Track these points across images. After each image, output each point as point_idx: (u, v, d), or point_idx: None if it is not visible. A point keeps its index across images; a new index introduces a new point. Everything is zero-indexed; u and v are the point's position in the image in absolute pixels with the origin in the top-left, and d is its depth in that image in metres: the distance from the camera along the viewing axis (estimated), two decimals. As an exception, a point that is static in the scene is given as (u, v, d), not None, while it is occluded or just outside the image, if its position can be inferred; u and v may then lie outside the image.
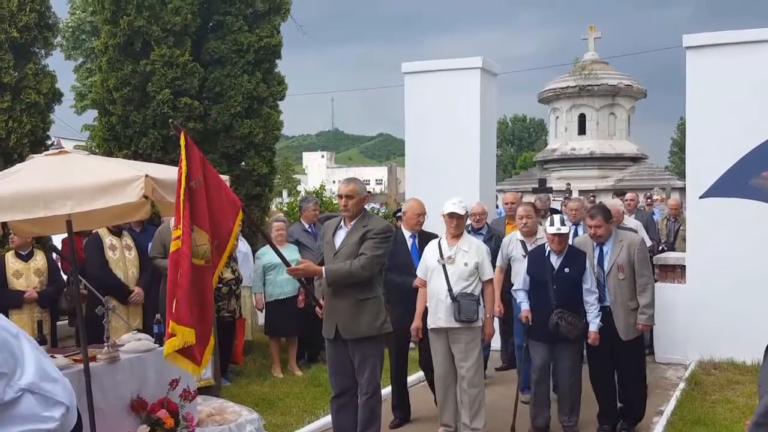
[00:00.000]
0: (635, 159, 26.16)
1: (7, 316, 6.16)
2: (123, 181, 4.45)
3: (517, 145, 66.78)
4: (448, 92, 9.49)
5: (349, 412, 5.05)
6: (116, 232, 6.78)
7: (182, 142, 4.11)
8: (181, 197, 4.01)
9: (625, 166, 25.78)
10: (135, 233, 7.56)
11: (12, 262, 6.55)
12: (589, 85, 25.25)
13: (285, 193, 22.38)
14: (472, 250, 5.59)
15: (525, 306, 5.82)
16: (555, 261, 5.67)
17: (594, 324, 5.61)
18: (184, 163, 4.08)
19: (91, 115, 17.68)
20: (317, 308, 5.30)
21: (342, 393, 5.07)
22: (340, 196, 5.05)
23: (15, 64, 8.02)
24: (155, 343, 5.51)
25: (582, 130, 26.11)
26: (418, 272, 5.75)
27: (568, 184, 22.22)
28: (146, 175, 4.45)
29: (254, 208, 9.64)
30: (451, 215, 5.60)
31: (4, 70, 7.87)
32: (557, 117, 27.10)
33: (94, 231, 6.72)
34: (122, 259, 6.78)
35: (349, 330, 4.90)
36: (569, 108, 26.32)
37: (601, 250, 5.79)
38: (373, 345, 4.95)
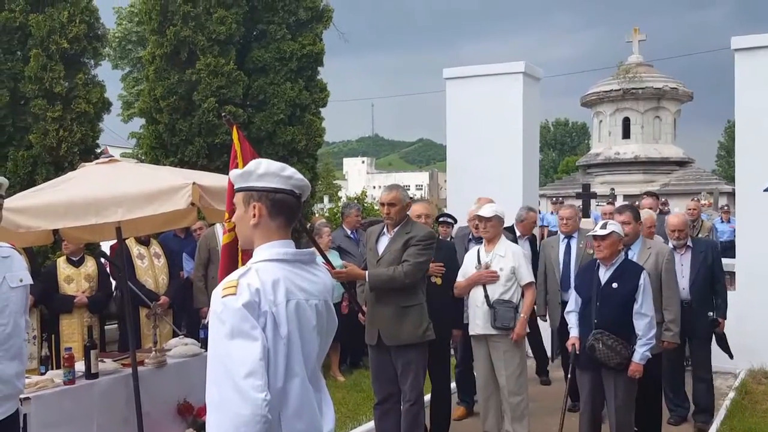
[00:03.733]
0: (681, 163, 25.66)
1: (57, 320, 6.46)
2: (171, 188, 4.54)
3: (559, 150, 66.04)
4: (490, 97, 9.43)
5: (393, 418, 5.05)
6: (144, 241, 6.91)
7: (234, 136, 4.19)
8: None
9: (670, 170, 25.30)
10: (179, 239, 7.71)
11: (64, 268, 6.70)
12: (633, 89, 24.88)
13: (326, 199, 22.52)
14: (508, 254, 5.53)
15: (573, 332, 5.15)
16: (603, 274, 4.95)
17: (638, 353, 4.77)
18: (239, 157, 4.15)
19: (137, 123, 18.07)
20: (360, 314, 5.33)
21: (385, 399, 5.08)
22: (382, 204, 5.06)
23: (65, 75, 8.25)
24: (201, 348, 5.61)
25: (626, 134, 25.73)
26: (458, 278, 5.72)
27: (612, 189, 21.90)
28: (194, 183, 4.55)
29: (297, 214, 9.71)
30: (479, 218, 5.58)
31: (56, 81, 8.10)
32: (600, 121, 26.74)
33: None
34: (151, 267, 6.90)
35: (392, 337, 4.90)
36: (613, 111, 25.96)
37: (626, 255, 5.18)
38: (416, 352, 4.95)
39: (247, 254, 2.36)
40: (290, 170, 2.30)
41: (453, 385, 6.63)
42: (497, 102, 9.39)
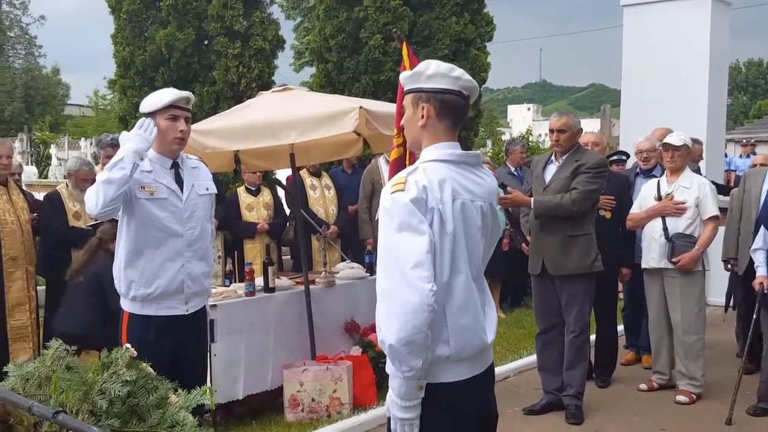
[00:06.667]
0: None
1: (241, 245, 6.96)
2: (340, 112, 4.70)
3: (751, 93, 60.26)
4: (672, 25, 8.71)
5: (555, 349, 4.96)
6: (315, 173, 7.27)
7: (404, 52, 4.22)
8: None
9: None
10: (346, 175, 7.98)
11: (244, 197, 7.19)
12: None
13: (489, 143, 22.24)
14: (693, 186, 5.18)
15: (761, 271, 4.90)
16: None
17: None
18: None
19: (308, 73, 18.74)
20: (523, 244, 5.24)
21: (548, 330, 4.99)
22: (551, 131, 4.89)
23: (244, 13, 8.70)
24: (366, 272, 5.82)
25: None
26: (633, 209, 5.44)
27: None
28: (360, 107, 4.66)
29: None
30: (666, 147, 5.22)
31: (235, 19, 8.57)
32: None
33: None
34: (322, 197, 7.26)
35: (557, 266, 4.78)
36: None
37: None
38: (583, 283, 4.80)
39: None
40: (459, 71, 2.26)
41: (620, 328, 6.39)
42: (681, 31, 8.65)
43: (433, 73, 2.24)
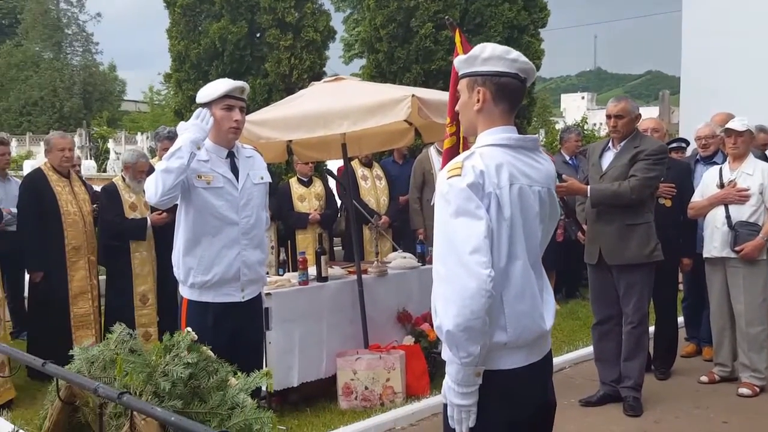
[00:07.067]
0: None
1: (294, 235, 7.03)
2: (392, 101, 4.68)
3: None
4: (736, 7, 8.40)
5: (612, 340, 4.86)
6: (367, 163, 7.26)
7: (457, 39, 4.18)
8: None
9: None
10: (397, 165, 7.97)
11: (296, 188, 7.25)
12: None
13: (542, 132, 21.96)
14: (756, 173, 5.00)
15: None
16: None
17: None
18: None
19: (357, 65, 18.79)
20: (579, 233, 5.15)
21: (605, 320, 4.89)
22: (608, 116, 4.78)
23: (296, 4, 8.77)
24: (418, 262, 5.81)
25: None
26: (694, 197, 5.28)
27: None
28: (413, 95, 4.64)
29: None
30: (728, 132, 5.05)
31: (287, 10, 8.65)
32: None
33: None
34: (374, 187, 7.28)
35: (614, 256, 4.68)
36: None
37: None
38: (641, 273, 4.68)
39: None
40: (515, 53, 2.22)
41: (680, 320, 6.23)
42: (747, 12, 8.34)
43: (489, 55, 2.20)
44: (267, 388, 2.09)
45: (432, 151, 7.27)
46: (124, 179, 5.93)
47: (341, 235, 7.44)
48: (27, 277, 6.01)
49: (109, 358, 2.18)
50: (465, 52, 4.11)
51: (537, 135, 2.73)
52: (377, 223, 6.43)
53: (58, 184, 5.56)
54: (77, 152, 6.43)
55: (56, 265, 5.46)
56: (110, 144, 26.99)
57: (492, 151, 2.16)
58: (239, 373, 2.06)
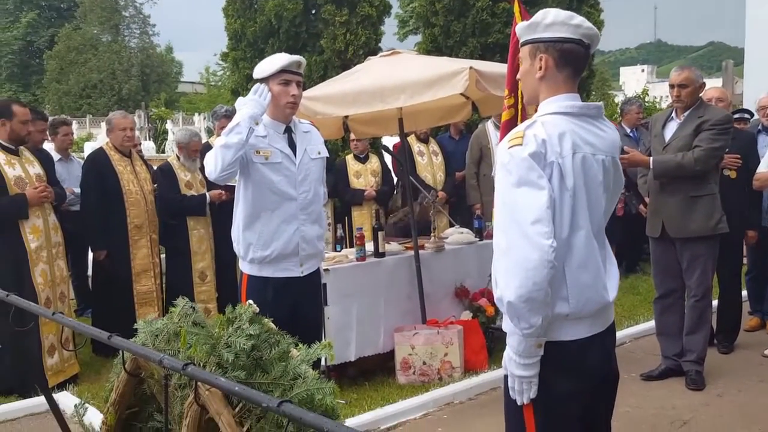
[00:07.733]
0: None
1: (350, 211, 7.07)
2: (449, 73, 4.61)
3: None
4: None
5: (675, 314, 4.75)
6: (423, 139, 7.26)
7: (516, 9, 4.10)
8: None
9: None
10: (453, 141, 7.90)
11: (352, 164, 7.27)
12: None
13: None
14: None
15: None
16: None
17: None
18: None
19: (412, 42, 18.64)
20: (641, 206, 5.02)
21: (667, 294, 4.78)
22: (671, 86, 4.62)
23: (352, -22, 8.70)
24: (475, 237, 5.76)
25: None
26: (760, 168, 5.07)
27: None
28: (471, 68, 4.56)
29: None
30: None
31: (343, -16, 8.57)
32: None
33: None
34: (430, 163, 7.24)
35: (678, 228, 4.55)
36: None
37: None
38: (705, 245, 4.55)
39: None
40: (579, 19, 2.15)
41: (744, 293, 6.04)
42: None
43: (552, 21, 2.14)
44: (328, 359, 2.10)
45: (489, 125, 7.18)
46: (178, 158, 6.04)
47: (396, 210, 7.44)
48: (91, 255, 6.20)
49: (172, 331, 2.22)
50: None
51: (601, 102, 2.64)
52: (434, 200, 6.39)
53: (120, 164, 5.70)
54: (137, 133, 6.57)
55: (119, 243, 5.59)
56: (168, 125, 27.54)
57: (554, 119, 2.11)
58: (300, 345, 2.08)
